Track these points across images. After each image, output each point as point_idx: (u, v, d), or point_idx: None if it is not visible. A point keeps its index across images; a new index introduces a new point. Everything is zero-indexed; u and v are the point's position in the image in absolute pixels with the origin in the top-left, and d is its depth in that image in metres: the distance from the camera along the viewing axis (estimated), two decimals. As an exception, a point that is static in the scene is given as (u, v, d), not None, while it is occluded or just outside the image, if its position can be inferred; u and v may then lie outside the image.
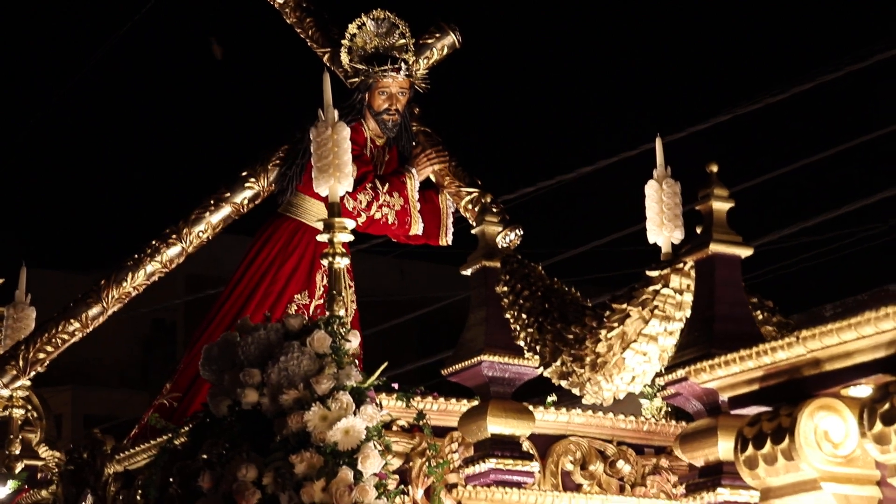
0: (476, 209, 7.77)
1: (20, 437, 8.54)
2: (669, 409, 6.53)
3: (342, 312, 6.07)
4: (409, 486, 5.98)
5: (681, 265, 5.07)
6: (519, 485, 5.46)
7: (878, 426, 3.87)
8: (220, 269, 17.27)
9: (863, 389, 4.07)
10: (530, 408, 5.83)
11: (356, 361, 5.83)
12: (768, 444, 4.14)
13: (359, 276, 8.21)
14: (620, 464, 6.24)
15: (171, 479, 6.17)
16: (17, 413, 8.62)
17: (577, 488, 6.03)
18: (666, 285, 5.08)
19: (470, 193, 7.87)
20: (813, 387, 4.16)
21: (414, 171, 7.97)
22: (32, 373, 8.44)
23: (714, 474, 4.82)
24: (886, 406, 3.86)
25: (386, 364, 5.83)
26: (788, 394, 4.20)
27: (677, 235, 5.85)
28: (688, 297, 5.05)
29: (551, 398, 6.35)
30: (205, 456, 5.82)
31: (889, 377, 3.93)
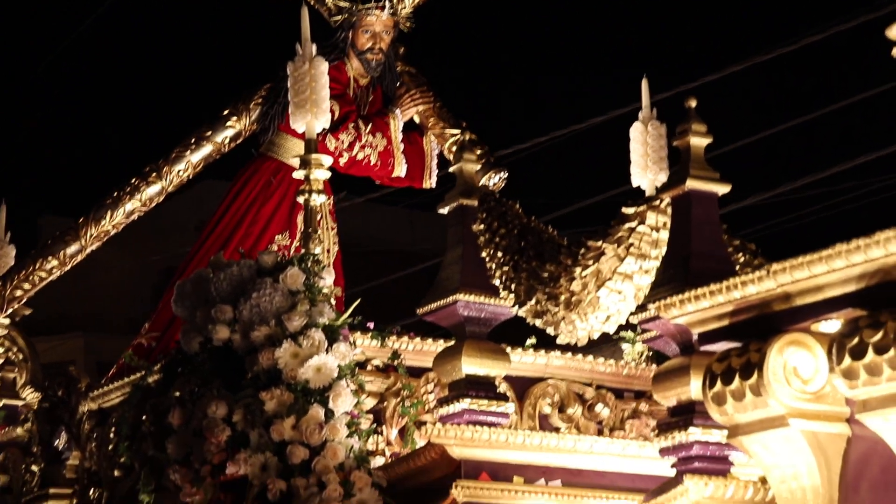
0: (455, 151, 7.69)
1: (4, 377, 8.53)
2: (650, 353, 6.47)
3: (318, 250, 5.99)
4: (384, 426, 5.94)
5: (657, 202, 4.97)
6: (492, 425, 5.37)
7: (847, 361, 3.78)
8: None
9: (833, 324, 3.98)
10: (507, 349, 5.74)
11: (332, 300, 5.77)
12: (737, 380, 4.06)
13: (370, 226, 8.17)
14: (599, 407, 6.19)
15: (143, 417, 6.13)
16: (-1, 350, 8.61)
17: (555, 431, 5.97)
18: (642, 222, 4.98)
19: (454, 135, 7.79)
20: (783, 322, 4.07)
21: (398, 111, 7.90)
22: (9, 310, 8.40)
23: (686, 413, 4.73)
24: (856, 340, 3.77)
25: (359, 301, 5.78)
26: (758, 329, 4.11)
27: (661, 178, 5.79)
28: (664, 235, 4.95)
29: (531, 340, 6.28)
30: (177, 393, 5.78)
31: (859, 311, 3.85)
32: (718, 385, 4.13)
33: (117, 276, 22.50)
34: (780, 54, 12.76)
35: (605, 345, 6.77)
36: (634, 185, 6.10)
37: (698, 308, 4.25)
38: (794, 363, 4.03)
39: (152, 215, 8.47)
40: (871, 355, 3.76)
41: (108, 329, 23.15)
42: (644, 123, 6.08)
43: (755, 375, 4.02)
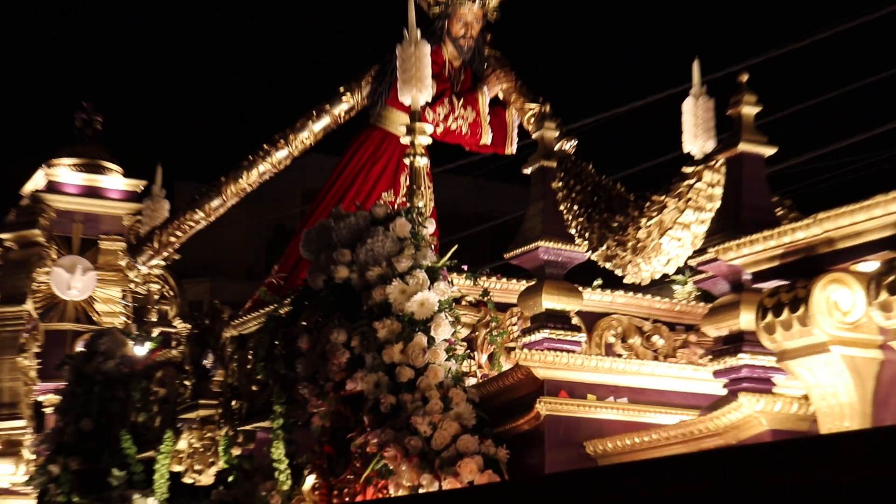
0: (536, 122, 7.67)
1: (157, 308, 8.61)
2: (699, 293, 6.36)
3: (421, 204, 5.95)
4: (475, 352, 5.91)
5: (713, 162, 4.87)
6: (568, 352, 5.31)
7: (884, 295, 3.75)
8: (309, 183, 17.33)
9: (870, 265, 3.90)
10: (579, 288, 5.67)
11: (432, 245, 5.75)
12: (786, 312, 4.00)
13: (440, 191, 8.12)
14: (655, 338, 6.14)
15: (276, 342, 6.16)
16: (154, 287, 8.70)
17: (618, 357, 5.91)
18: (699, 180, 4.89)
19: (532, 109, 7.74)
20: (826, 263, 4.00)
21: (485, 88, 7.85)
22: (164, 253, 8.47)
23: (736, 342, 4.65)
24: (892, 278, 3.74)
25: (456, 247, 5.74)
26: (804, 269, 4.04)
27: (710, 145, 5.74)
28: (718, 191, 4.86)
29: (597, 282, 6.20)
30: (304, 322, 5.79)
31: (894, 253, 3.76)
32: (770, 317, 4.07)
33: (237, 232, 22.75)
34: (812, 41, 12.44)
35: (659, 285, 6.69)
36: (685, 150, 5.99)
37: (753, 251, 4.18)
38: (836, 298, 3.98)
39: (265, 182, 8.46)
40: (904, 291, 3.68)
41: (230, 275, 23.45)
42: (695, 98, 5.99)
43: (802, 308, 3.96)
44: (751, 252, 4.17)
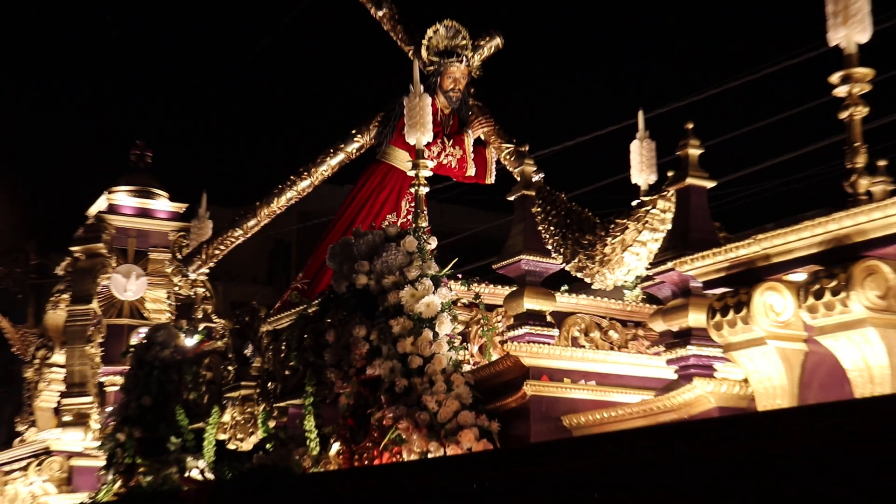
0: (512, 158, 7.75)
1: (201, 307, 8.59)
2: (645, 296, 6.38)
3: (424, 224, 5.95)
4: (469, 343, 5.90)
5: (666, 193, 4.89)
6: (544, 344, 5.31)
7: (810, 300, 3.74)
8: (321, 206, 17.17)
9: (799, 276, 3.90)
10: (553, 293, 5.68)
11: (433, 257, 5.74)
12: (731, 313, 4.00)
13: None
14: (611, 332, 6.13)
15: (305, 335, 6.12)
16: (200, 291, 8.67)
17: (581, 348, 5.91)
18: (654, 207, 4.91)
19: (507, 147, 7.79)
20: (763, 274, 3.99)
21: (470, 131, 7.89)
22: (210, 264, 8.46)
23: (685, 336, 4.68)
24: (816, 287, 3.72)
25: (456, 260, 5.74)
26: (746, 279, 4.03)
27: (651, 178, 5.73)
28: (669, 216, 4.88)
29: (564, 288, 6.21)
30: (329, 320, 5.76)
31: (818, 267, 3.78)
32: (718, 316, 4.06)
33: (244, 245, 22.61)
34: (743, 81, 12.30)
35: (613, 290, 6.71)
36: (633, 182, 6.01)
37: (704, 264, 4.16)
38: (771, 302, 3.97)
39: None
40: (827, 296, 3.70)
41: (237, 279, 23.40)
42: (641, 140, 5.99)
43: (744, 310, 3.96)
44: (703, 265, 4.16)
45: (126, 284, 10.40)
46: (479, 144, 8.02)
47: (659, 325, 5.02)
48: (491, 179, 8.09)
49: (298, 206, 9.35)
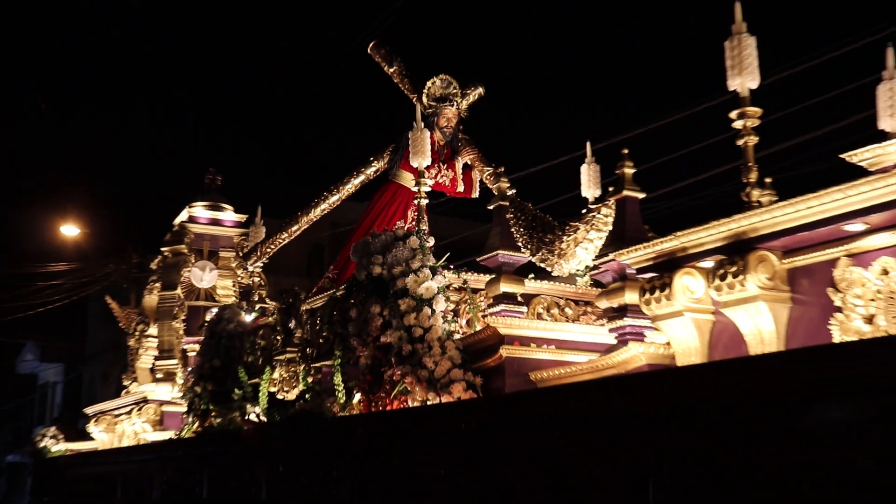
0: (491, 178, 7.61)
1: (257, 292, 8.46)
2: (593, 282, 6.28)
3: (424, 228, 5.83)
4: (459, 318, 5.78)
5: (608, 202, 4.78)
6: (516, 317, 5.21)
7: (716, 282, 3.65)
8: (347, 217, 17.03)
9: (708, 263, 3.81)
10: (523, 279, 5.57)
11: (432, 252, 5.63)
12: (657, 292, 3.91)
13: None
14: (567, 310, 6.00)
15: (335, 313, 6.01)
16: (256, 280, 8.55)
17: (546, 321, 5.79)
18: (599, 213, 4.80)
19: (488, 170, 7.68)
20: (682, 262, 3.91)
21: (459, 158, 7.78)
22: (264, 259, 8.35)
23: (622, 311, 4.57)
24: (721, 271, 3.65)
25: (448, 254, 5.62)
26: (669, 266, 3.95)
27: (597, 192, 5.62)
28: (611, 219, 4.77)
29: (531, 276, 6.10)
30: (352, 300, 5.65)
31: (723, 256, 3.70)
32: (647, 295, 3.97)
33: (288, 247, 22.44)
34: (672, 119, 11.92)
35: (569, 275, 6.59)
36: (583, 195, 5.91)
37: (637, 255, 4.06)
38: (687, 283, 3.88)
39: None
40: (729, 278, 3.61)
41: (283, 273, 23.34)
42: (588, 164, 5.88)
43: (667, 290, 3.88)
44: (636, 255, 4.06)
45: (202, 276, 10.28)
46: (467, 168, 7.91)
47: (603, 303, 4.91)
48: (475, 194, 7.98)
49: (329, 217, 9.27)
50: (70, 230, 19.32)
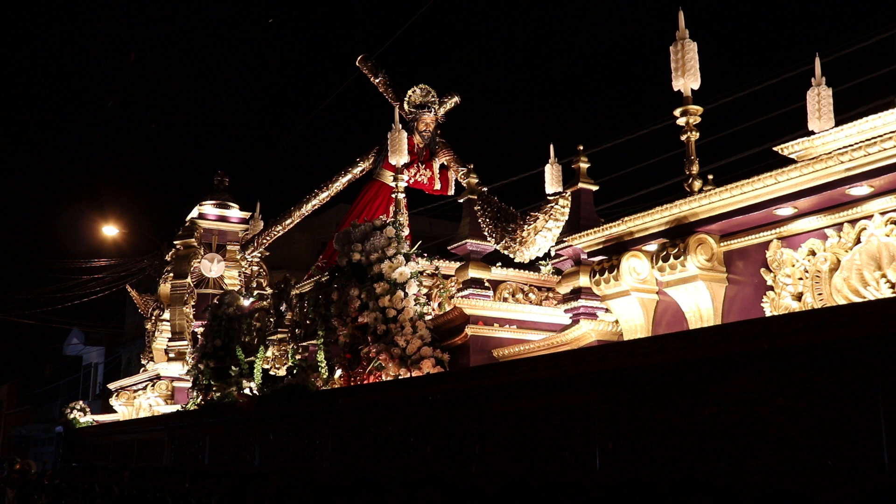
0: (464, 176, 7.41)
1: (256, 280, 8.26)
2: (554, 270, 6.08)
3: (401, 219, 5.62)
4: (431, 301, 5.56)
5: (565, 193, 4.57)
6: (483, 299, 5.00)
7: (660, 263, 3.46)
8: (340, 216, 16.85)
9: (653, 247, 3.61)
10: (490, 266, 5.36)
11: (408, 242, 5.42)
12: (606, 273, 3.72)
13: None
14: (531, 294, 5.80)
15: (320, 296, 5.79)
16: (254, 269, 8.32)
17: (505, 301, 5.60)
18: (557, 203, 4.59)
19: (462, 170, 7.48)
20: (628, 246, 3.73)
21: (437, 158, 7.58)
22: (261, 249, 8.12)
23: (577, 293, 4.37)
24: (664, 254, 3.45)
25: (420, 242, 5.41)
26: (617, 249, 3.77)
27: (559, 189, 5.42)
28: (567, 209, 4.57)
29: (499, 264, 5.90)
30: (335, 285, 5.42)
31: (665, 240, 3.50)
32: (597, 276, 3.77)
33: (303, 245, 22.23)
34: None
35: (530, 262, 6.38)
36: (547, 192, 5.71)
37: (589, 239, 3.87)
38: (633, 265, 3.69)
39: (316, 213, 8.11)
40: (671, 260, 3.41)
41: (298, 268, 23.07)
42: (552, 165, 5.68)
43: (615, 272, 3.68)
44: (588, 239, 3.87)
45: (211, 267, 10.00)
46: (444, 168, 7.71)
47: (563, 289, 4.72)
48: (451, 192, 7.79)
49: (336, 216, 9.06)
50: (110, 230, 19.36)
